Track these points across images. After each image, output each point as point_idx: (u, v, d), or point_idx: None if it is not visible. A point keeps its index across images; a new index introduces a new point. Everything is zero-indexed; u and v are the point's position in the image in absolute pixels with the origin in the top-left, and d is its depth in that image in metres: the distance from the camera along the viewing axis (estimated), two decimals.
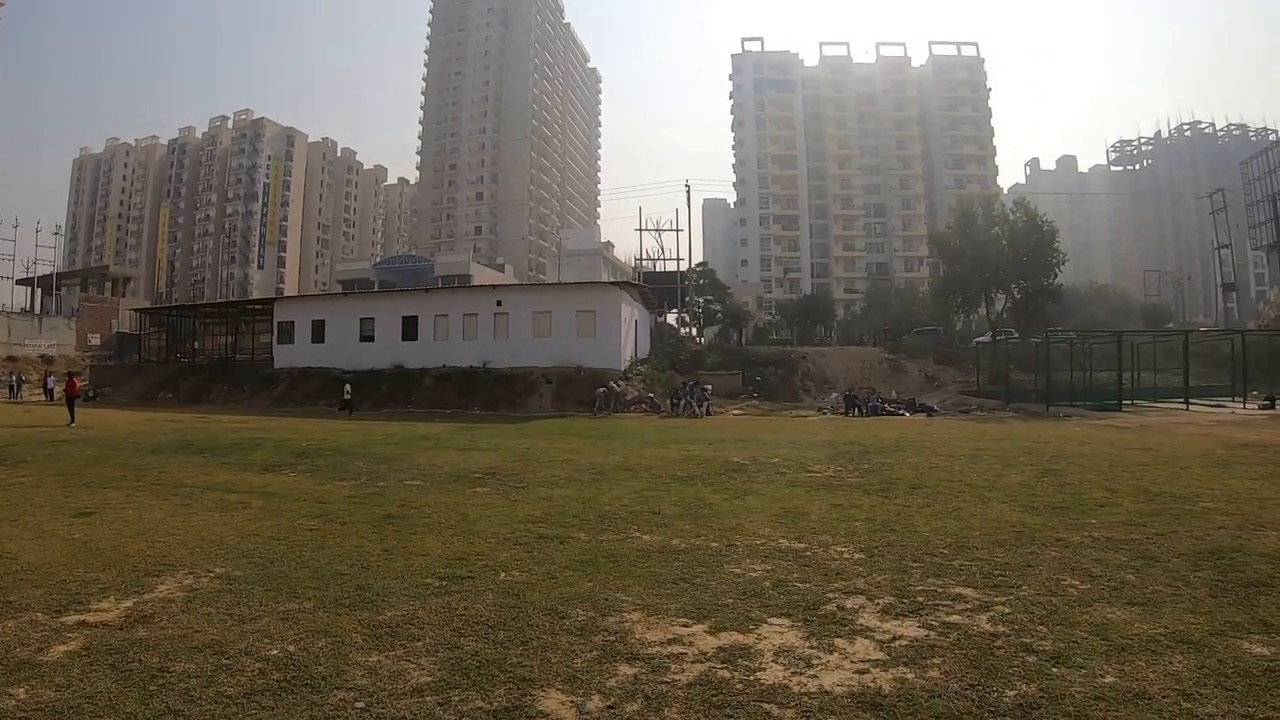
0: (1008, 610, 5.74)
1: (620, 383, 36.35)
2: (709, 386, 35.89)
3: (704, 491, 11.59)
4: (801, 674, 4.64)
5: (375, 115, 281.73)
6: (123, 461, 15.66)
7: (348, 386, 35.18)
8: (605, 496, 11.16)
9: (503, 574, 6.97)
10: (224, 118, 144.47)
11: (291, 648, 5.15)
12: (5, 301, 71.86)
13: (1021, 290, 48.57)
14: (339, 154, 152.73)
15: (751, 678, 4.59)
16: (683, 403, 33.04)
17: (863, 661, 4.82)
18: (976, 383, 43.00)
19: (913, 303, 75.62)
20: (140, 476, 13.49)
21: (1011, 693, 4.29)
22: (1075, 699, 4.18)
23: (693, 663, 4.83)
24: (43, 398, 42.35)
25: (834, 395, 38.37)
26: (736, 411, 34.15)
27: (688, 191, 65.19)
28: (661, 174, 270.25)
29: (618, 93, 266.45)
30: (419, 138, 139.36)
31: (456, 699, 4.33)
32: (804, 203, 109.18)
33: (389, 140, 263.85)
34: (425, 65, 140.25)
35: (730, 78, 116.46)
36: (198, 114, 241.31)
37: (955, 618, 5.60)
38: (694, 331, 66.00)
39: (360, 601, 6.16)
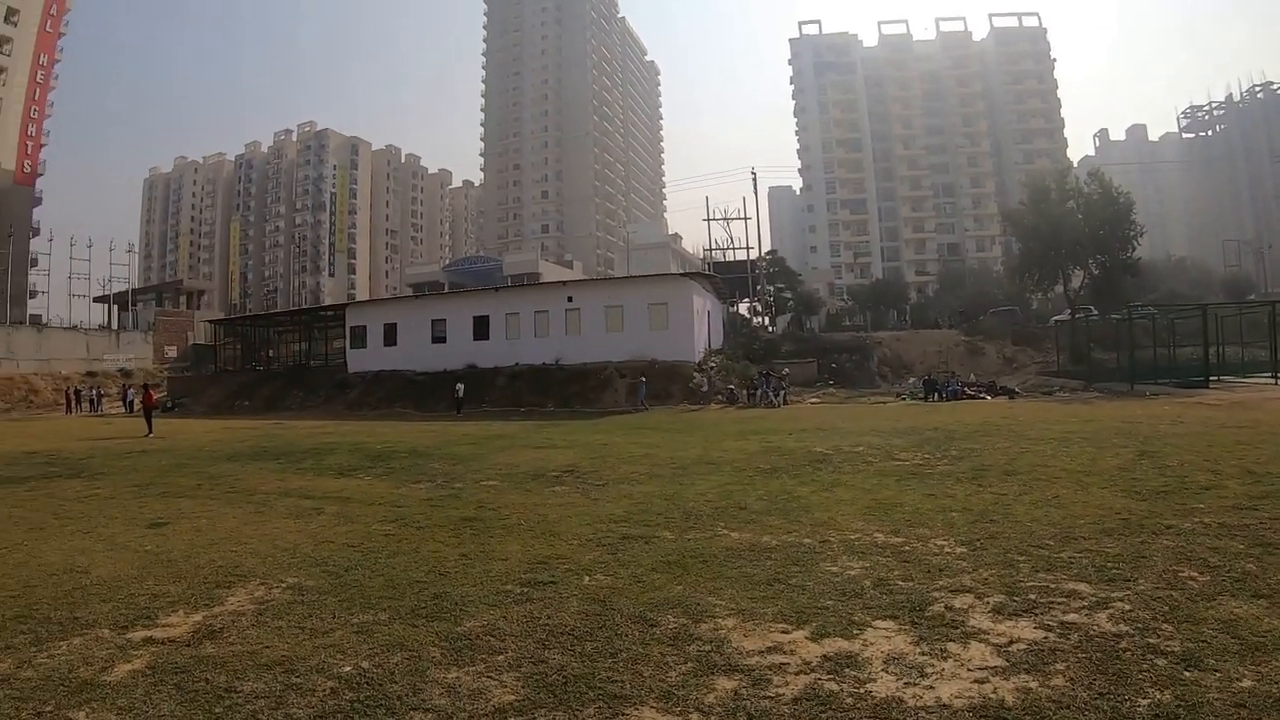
0: (1127, 607, 5.30)
1: (695, 374, 35.99)
2: (786, 375, 35.44)
3: (790, 484, 11.22)
4: (916, 685, 4.26)
5: (438, 120, 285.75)
6: (198, 470, 15.77)
7: (460, 386, 35.55)
8: (688, 492, 10.84)
9: (587, 578, 6.69)
10: (288, 131, 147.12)
11: (365, 664, 4.90)
12: (83, 319, 74.35)
13: (1099, 265, 47.07)
14: (403, 160, 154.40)
15: (862, 690, 4.23)
16: (759, 393, 32.85)
17: (980, 669, 4.42)
18: (1056, 362, 41.77)
19: (987, 282, 74.00)
20: (215, 485, 13.53)
21: (1145, 701, 3.89)
22: (1214, 707, 3.79)
23: (796, 674, 4.47)
24: (122, 410, 43.37)
25: (912, 380, 37.68)
26: (813, 400, 33.70)
27: (754, 179, 64.20)
28: (726, 163, 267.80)
29: (677, 84, 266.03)
30: (481, 140, 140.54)
31: None
32: (871, 186, 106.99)
33: (453, 144, 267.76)
34: (484, 68, 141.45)
35: (789, 62, 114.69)
36: (262, 130, 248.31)
37: (1073, 616, 5.18)
38: (766, 321, 65.34)
39: (438, 611, 5.91)
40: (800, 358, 43.38)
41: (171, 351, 68.55)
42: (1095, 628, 4.93)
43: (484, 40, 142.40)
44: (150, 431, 26.45)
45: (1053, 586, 5.84)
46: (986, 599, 5.61)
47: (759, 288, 63.94)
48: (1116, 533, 7.40)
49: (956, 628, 5.06)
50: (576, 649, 4.99)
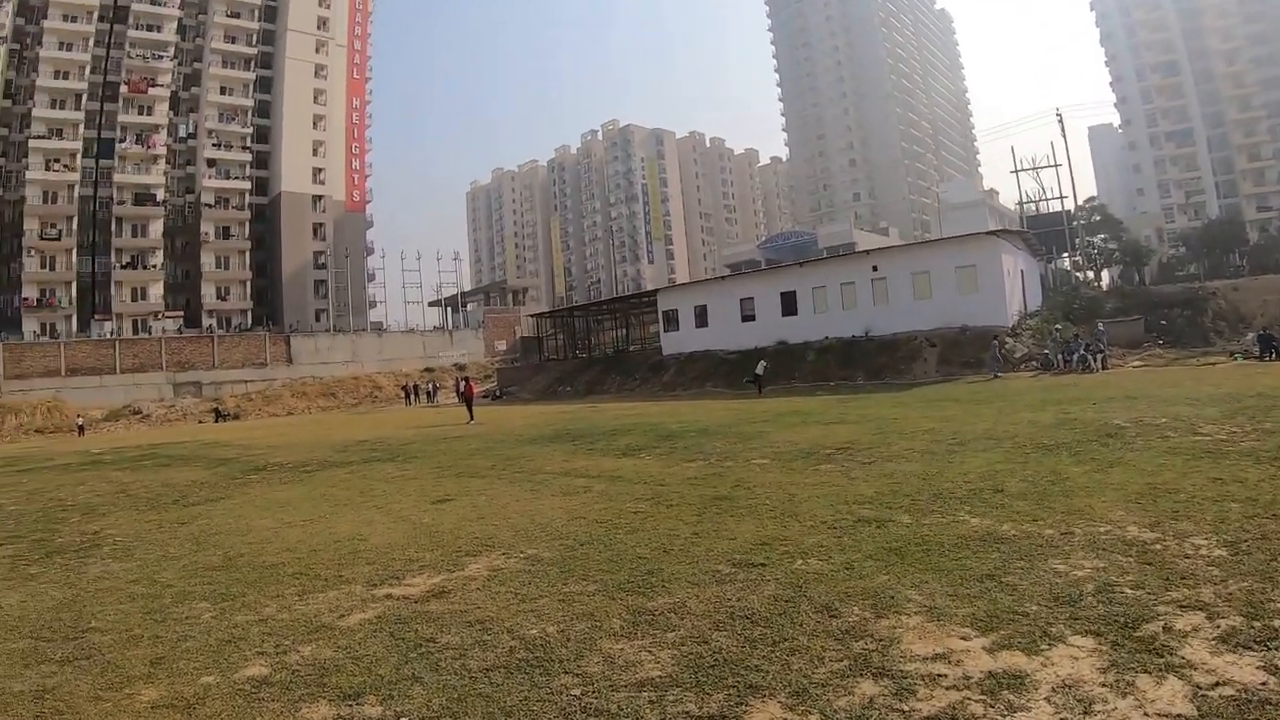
0: None
1: (1008, 339, 33.88)
2: (1103, 335, 32.20)
3: (1065, 463, 10.19)
4: None
5: (736, 102, 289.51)
6: (499, 453, 17.02)
7: (762, 364, 35.41)
8: (950, 472, 10.23)
9: (799, 562, 6.55)
10: (593, 131, 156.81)
11: (551, 629, 5.29)
12: (419, 322, 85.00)
13: None
14: (708, 144, 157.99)
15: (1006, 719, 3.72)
16: (1076, 357, 30.33)
17: (1159, 716, 3.62)
18: None
19: None
20: (507, 465, 14.61)
21: None
22: None
23: (948, 689, 4.03)
24: (455, 400, 48.11)
25: (1250, 336, 32.51)
26: (1136, 363, 30.52)
27: (1060, 121, 58.81)
28: (1036, 105, 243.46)
29: (972, 28, 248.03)
30: (782, 115, 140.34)
31: (671, 699, 4.09)
32: (1195, 112, 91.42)
33: (755, 123, 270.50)
34: (772, 43, 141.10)
35: None
36: (568, 134, 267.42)
37: None
38: (1089, 275, 59.88)
39: (641, 586, 6.14)
40: (1125, 315, 38.66)
41: (501, 345, 75.39)
42: None
43: (767, 15, 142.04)
44: (471, 419, 28.78)
45: None
46: (1218, 621, 4.63)
47: (1078, 240, 58.70)
48: None
49: (1162, 656, 4.20)
50: (745, 633, 4.95)
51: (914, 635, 4.75)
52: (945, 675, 4.18)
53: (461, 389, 34.09)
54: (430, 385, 58.33)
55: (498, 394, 52.97)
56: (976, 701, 3.86)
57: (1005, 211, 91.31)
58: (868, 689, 4.07)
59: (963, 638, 4.67)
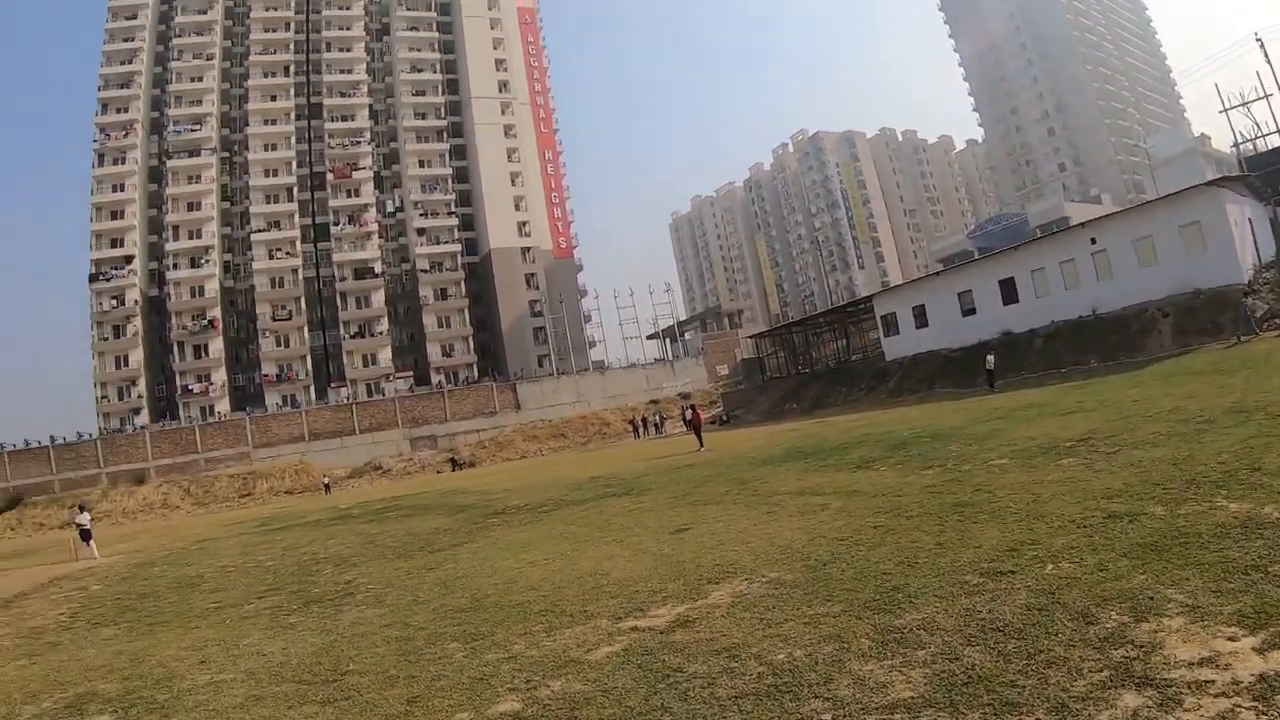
0: None
1: (1247, 299, 30.55)
2: None
3: None
4: None
5: (923, 87, 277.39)
6: (732, 477, 17.21)
7: (990, 358, 33.55)
8: (1202, 454, 9.51)
9: (1050, 566, 6.31)
10: (784, 144, 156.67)
11: (799, 652, 5.32)
12: (639, 356, 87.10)
13: None
14: (900, 139, 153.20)
15: None
16: None
17: None
18: None
19: None
20: (741, 490, 14.76)
21: None
22: None
23: (1216, 696, 3.77)
24: (684, 429, 48.92)
25: None
26: None
27: (1262, 47, 52.11)
28: (1232, 32, 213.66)
29: None
30: (969, 94, 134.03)
31: None
32: None
33: (942, 108, 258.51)
34: (946, 23, 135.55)
35: None
36: (759, 151, 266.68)
37: None
38: None
39: (888, 603, 6.10)
40: None
41: (723, 369, 76.14)
42: None
43: None
44: (701, 445, 29.17)
45: None
46: None
47: None
48: None
49: None
50: (999, 647, 4.84)
51: (1177, 639, 4.51)
52: (1213, 681, 3.95)
53: (688, 417, 34.61)
54: (657, 416, 59.82)
55: (724, 418, 53.49)
56: (1248, 709, 3.63)
57: (1221, 156, 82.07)
58: (1131, 701, 3.91)
59: (1230, 638, 4.39)
